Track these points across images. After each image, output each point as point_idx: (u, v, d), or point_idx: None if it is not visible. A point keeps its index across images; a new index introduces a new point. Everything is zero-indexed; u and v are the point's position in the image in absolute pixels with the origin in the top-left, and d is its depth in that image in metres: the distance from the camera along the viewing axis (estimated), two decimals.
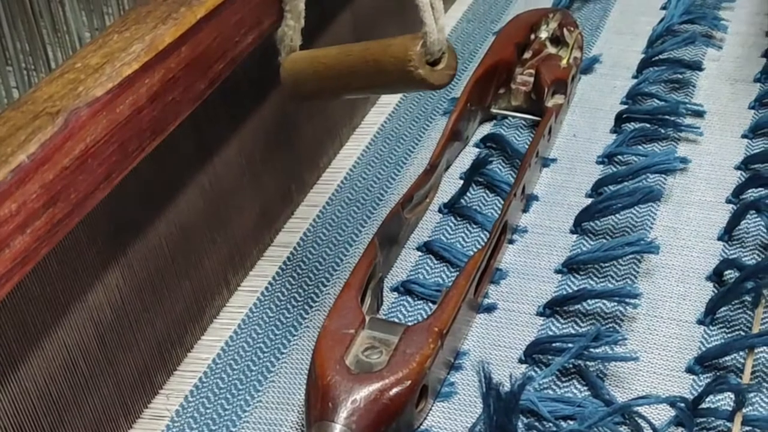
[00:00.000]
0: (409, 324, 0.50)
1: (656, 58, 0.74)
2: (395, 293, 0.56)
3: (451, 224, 0.61)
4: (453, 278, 0.55)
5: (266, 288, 0.58)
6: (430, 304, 0.55)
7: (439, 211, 0.62)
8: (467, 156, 0.66)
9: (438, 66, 0.46)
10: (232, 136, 0.57)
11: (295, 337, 0.54)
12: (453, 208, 0.62)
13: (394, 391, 0.46)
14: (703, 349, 0.52)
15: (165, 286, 0.52)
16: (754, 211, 0.59)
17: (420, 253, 0.59)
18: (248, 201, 0.59)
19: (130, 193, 0.49)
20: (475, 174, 0.63)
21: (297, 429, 0.49)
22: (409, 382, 0.46)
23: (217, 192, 0.56)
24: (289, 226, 0.63)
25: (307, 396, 0.47)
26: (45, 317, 0.45)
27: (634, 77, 0.74)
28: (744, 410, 0.48)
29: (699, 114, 0.69)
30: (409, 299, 0.56)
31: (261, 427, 0.50)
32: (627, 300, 0.54)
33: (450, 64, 0.47)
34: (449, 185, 0.64)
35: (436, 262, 0.58)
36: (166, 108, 0.48)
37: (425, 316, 0.53)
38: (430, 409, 0.49)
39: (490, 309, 0.54)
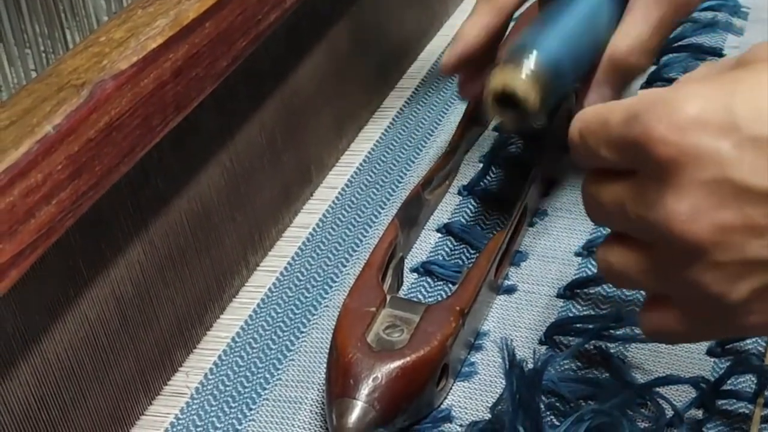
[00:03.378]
0: (431, 303, 0.50)
1: (676, 44, 0.74)
2: (415, 274, 0.56)
3: (470, 207, 0.61)
4: (473, 260, 0.55)
5: (285, 268, 0.58)
6: (450, 286, 0.55)
7: (459, 193, 0.62)
8: (487, 140, 0.66)
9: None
10: (253, 115, 0.57)
11: (315, 317, 0.54)
12: (473, 190, 0.61)
13: (416, 369, 0.46)
14: None
15: (185, 263, 0.52)
16: None
17: (440, 235, 0.59)
18: (268, 180, 0.59)
19: (153, 168, 0.49)
20: (495, 157, 0.63)
21: (317, 407, 0.49)
22: (431, 360, 0.46)
23: (238, 170, 0.56)
24: (309, 207, 0.63)
25: (327, 373, 0.47)
26: (67, 290, 0.45)
27: (654, 63, 0.73)
28: (767, 392, 0.48)
29: None
30: (429, 280, 0.56)
31: (281, 404, 0.50)
32: None
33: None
34: (469, 168, 0.64)
35: (455, 243, 0.58)
36: (189, 84, 0.47)
37: (445, 297, 0.52)
38: (451, 388, 0.49)
39: (510, 290, 0.54)
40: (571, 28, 0.52)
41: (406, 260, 0.57)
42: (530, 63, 0.49)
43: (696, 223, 0.35)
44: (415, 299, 0.54)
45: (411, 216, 0.57)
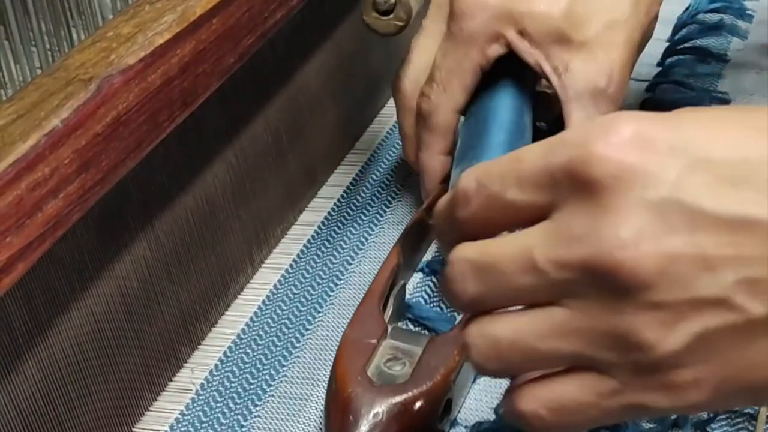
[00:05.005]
0: (434, 335, 0.49)
1: (681, 47, 0.74)
2: (420, 273, 0.56)
3: None
4: None
5: (290, 265, 0.58)
6: None
7: None
8: None
9: (388, 16, 0.51)
10: (258, 112, 0.57)
11: (320, 314, 0.54)
12: None
13: (418, 404, 0.44)
14: None
15: (191, 259, 0.52)
16: None
17: None
18: (273, 178, 0.59)
19: (159, 164, 0.49)
20: None
21: (323, 403, 0.49)
22: (434, 395, 0.44)
23: (243, 168, 0.56)
24: (313, 206, 0.63)
25: (326, 408, 0.46)
26: (74, 285, 0.45)
27: (659, 65, 0.73)
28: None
29: (724, 102, 0.69)
30: (434, 279, 0.56)
31: (286, 401, 0.50)
32: None
33: (399, 15, 0.51)
34: None
35: None
36: (196, 80, 0.48)
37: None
38: (455, 420, 0.48)
39: None
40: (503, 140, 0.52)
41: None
42: None
43: (640, 250, 0.30)
44: (419, 299, 0.54)
45: (413, 242, 0.55)
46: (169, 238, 0.51)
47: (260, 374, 0.51)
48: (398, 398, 0.44)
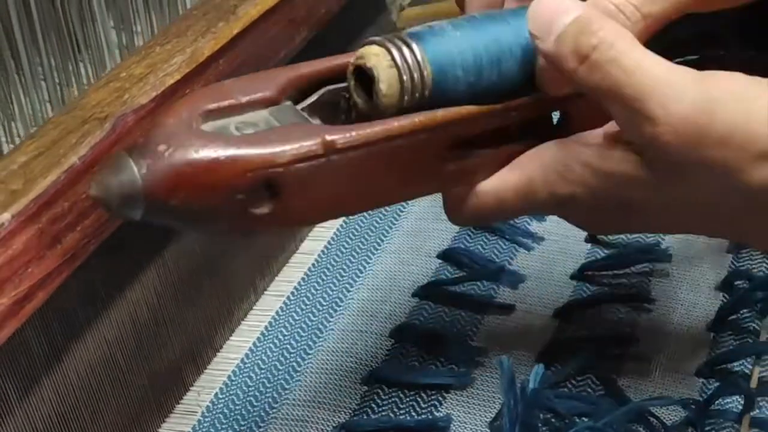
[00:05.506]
0: (326, 126, 0.39)
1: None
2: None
3: (470, 233, 0.63)
4: (471, 288, 0.58)
5: (292, 293, 0.60)
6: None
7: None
8: None
9: None
10: None
11: (321, 339, 0.57)
12: None
13: (220, 167, 0.35)
14: (713, 354, 0.54)
15: (197, 287, 0.55)
16: None
17: (440, 261, 0.61)
18: None
19: None
20: None
21: (324, 425, 0.51)
22: (250, 165, 0.36)
23: None
24: (314, 234, 0.65)
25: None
26: (87, 312, 0.47)
27: None
28: (752, 412, 0.50)
29: None
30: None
31: (288, 422, 0.52)
32: (640, 305, 0.56)
33: None
34: None
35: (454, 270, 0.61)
36: None
37: None
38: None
39: (508, 311, 0.57)
40: (486, 32, 0.41)
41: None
42: (409, 56, 0.39)
43: None
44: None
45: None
46: (177, 267, 0.53)
47: (263, 397, 0.53)
48: (205, 148, 0.35)
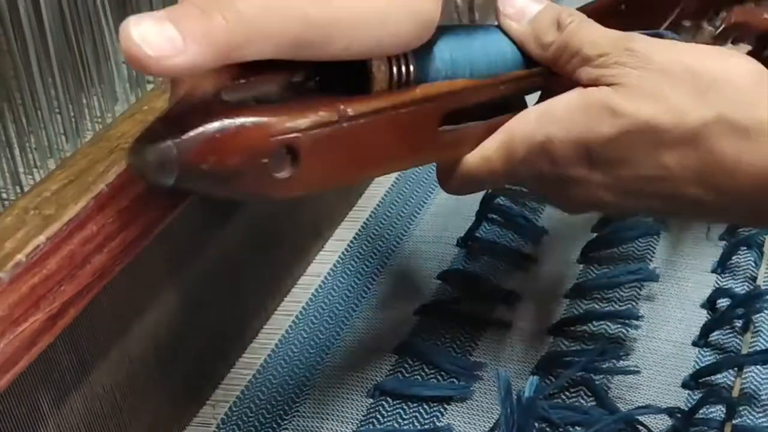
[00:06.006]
0: (343, 98, 0.42)
1: None
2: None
3: (468, 256, 0.67)
4: (470, 307, 0.61)
5: (300, 312, 0.64)
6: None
7: (457, 244, 0.68)
8: None
9: None
10: None
11: (329, 356, 0.60)
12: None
13: (241, 126, 0.38)
14: (698, 367, 0.57)
15: (212, 306, 0.58)
16: (744, 247, 0.65)
17: (440, 281, 0.65)
18: (285, 233, 0.65)
19: (186, 221, 0.55)
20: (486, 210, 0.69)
21: None
22: (269, 129, 0.38)
23: (259, 226, 0.62)
24: (320, 258, 0.69)
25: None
26: (112, 329, 0.51)
27: None
28: (733, 420, 0.53)
29: None
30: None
31: None
32: (629, 322, 0.59)
33: None
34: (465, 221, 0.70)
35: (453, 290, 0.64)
36: None
37: None
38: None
39: (505, 327, 0.60)
40: (464, 39, 0.47)
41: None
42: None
43: None
44: None
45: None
46: (194, 288, 0.57)
47: (275, 410, 0.57)
48: (230, 116, 0.37)
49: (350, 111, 0.41)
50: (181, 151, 0.37)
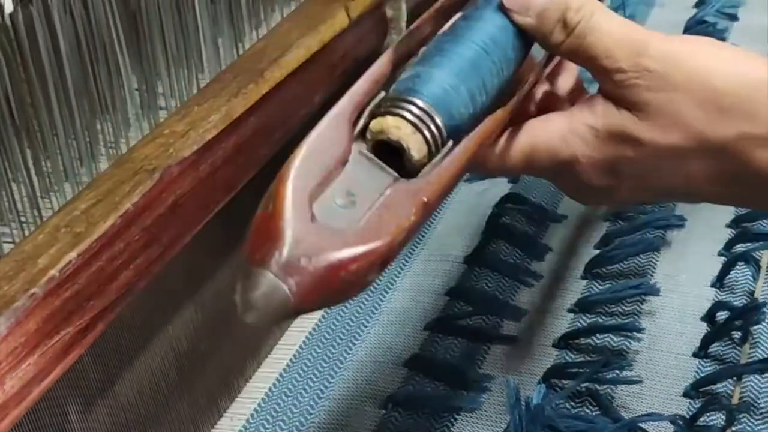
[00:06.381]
0: (400, 178, 0.41)
1: None
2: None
3: (476, 273, 0.69)
4: (478, 322, 0.63)
5: (314, 329, 0.66)
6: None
7: (465, 261, 0.70)
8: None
9: None
10: None
11: (341, 369, 0.62)
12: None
13: (355, 265, 0.37)
14: (699, 377, 0.59)
15: (230, 322, 0.61)
16: (742, 262, 0.67)
17: (449, 297, 0.67)
18: None
19: (204, 241, 0.57)
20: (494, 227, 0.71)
21: None
22: (377, 257, 0.38)
23: None
24: None
25: (252, 227, 0.38)
26: (136, 343, 0.53)
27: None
28: (733, 428, 0.55)
29: None
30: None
31: None
32: (632, 335, 0.62)
33: None
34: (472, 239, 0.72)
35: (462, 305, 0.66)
36: (236, 169, 0.56)
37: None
38: None
39: (512, 340, 0.62)
40: (467, 60, 0.44)
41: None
42: (421, 114, 0.41)
43: None
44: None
45: (411, 52, 0.47)
46: (213, 305, 0.59)
47: (291, 421, 0.59)
48: (337, 249, 0.37)
49: (431, 200, 0.40)
50: (297, 299, 0.36)
